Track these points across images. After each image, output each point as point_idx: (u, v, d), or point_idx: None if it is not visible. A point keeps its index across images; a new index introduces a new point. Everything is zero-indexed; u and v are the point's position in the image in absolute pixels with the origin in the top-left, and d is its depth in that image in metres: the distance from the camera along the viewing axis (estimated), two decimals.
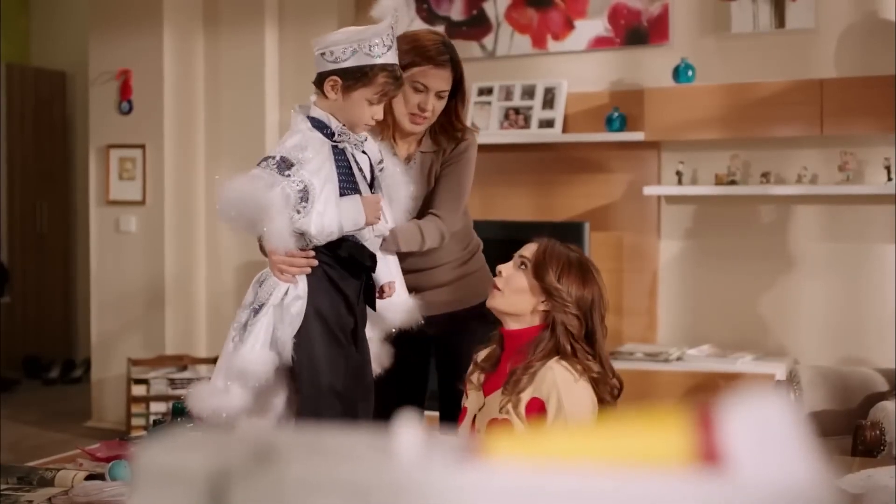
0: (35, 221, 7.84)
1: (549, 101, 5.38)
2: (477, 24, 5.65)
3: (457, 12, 5.69)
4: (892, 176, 4.73)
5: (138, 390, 5.78)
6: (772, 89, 4.85)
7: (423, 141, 3.01)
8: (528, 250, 2.58)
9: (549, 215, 5.41)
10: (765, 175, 5.01)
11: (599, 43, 5.35)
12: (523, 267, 2.55)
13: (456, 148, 2.99)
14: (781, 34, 5.03)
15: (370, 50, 2.54)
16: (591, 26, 5.37)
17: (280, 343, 2.54)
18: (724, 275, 5.18)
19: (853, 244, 4.94)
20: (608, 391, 2.49)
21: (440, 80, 2.85)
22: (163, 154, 6.05)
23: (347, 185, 2.59)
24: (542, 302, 2.50)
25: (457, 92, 2.93)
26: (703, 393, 4.71)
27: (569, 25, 5.45)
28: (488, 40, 5.62)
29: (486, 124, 5.40)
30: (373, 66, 2.55)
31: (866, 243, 4.91)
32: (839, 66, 4.91)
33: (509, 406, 2.45)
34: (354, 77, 2.55)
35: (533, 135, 5.39)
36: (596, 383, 2.46)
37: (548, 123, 5.37)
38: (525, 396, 2.43)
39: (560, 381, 2.40)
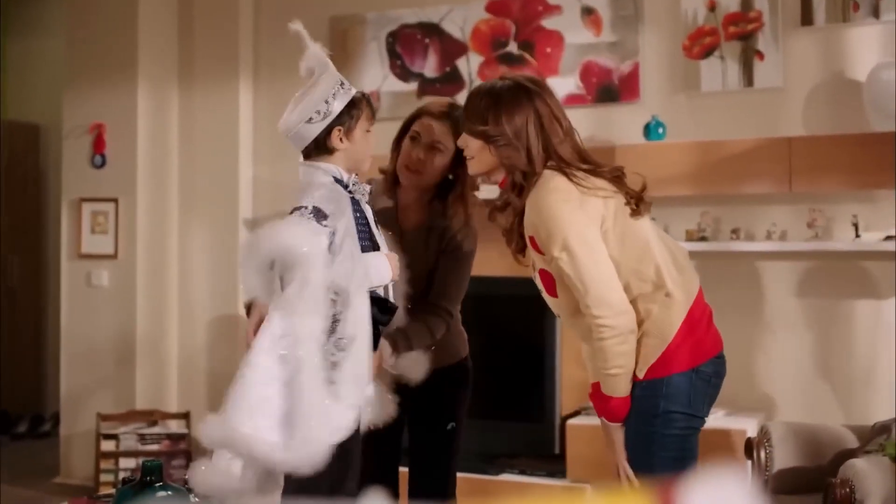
0: (6, 275, 7.79)
1: None
2: (450, 81, 5.70)
3: (430, 69, 5.74)
4: (860, 232, 4.78)
5: (107, 446, 5.72)
6: (741, 147, 4.91)
7: (433, 212, 3.04)
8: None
9: (525, 271, 5.40)
10: (735, 231, 5.05)
11: (571, 100, 5.40)
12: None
13: (464, 241, 3.00)
14: (750, 93, 5.10)
15: (342, 87, 2.67)
16: (563, 84, 5.42)
17: None
18: None
19: (822, 300, 4.97)
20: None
21: (434, 130, 3.04)
22: (135, 208, 6.05)
23: (364, 237, 2.61)
24: (494, 148, 2.69)
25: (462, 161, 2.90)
26: None
27: None
28: (461, 97, 5.66)
29: None
30: (355, 97, 2.69)
31: (835, 299, 4.95)
32: (807, 124, 4.98)
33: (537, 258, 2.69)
34: (349, 115, 2.66)
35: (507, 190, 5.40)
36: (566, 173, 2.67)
37: None
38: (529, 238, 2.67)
39: (528, 211, 2.65)
